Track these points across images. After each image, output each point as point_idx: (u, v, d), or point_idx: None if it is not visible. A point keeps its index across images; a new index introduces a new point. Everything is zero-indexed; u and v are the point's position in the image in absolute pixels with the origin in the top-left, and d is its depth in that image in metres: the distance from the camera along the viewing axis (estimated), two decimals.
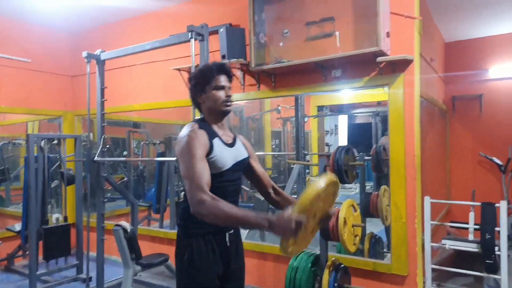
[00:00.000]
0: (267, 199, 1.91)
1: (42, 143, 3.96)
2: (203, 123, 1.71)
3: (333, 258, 2.91)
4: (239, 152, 1.78)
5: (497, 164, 5.13)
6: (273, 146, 6.89)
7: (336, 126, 9.12)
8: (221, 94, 1.70)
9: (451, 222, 4.32)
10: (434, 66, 4.60)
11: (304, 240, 1.54)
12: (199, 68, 1.79)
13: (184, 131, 1.63)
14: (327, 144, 6.97)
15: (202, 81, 1.72)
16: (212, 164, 1.61)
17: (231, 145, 1.75)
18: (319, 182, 1.42)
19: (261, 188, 1.91)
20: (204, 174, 1.53)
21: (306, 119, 6.87)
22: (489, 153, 5.22)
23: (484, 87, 5.37)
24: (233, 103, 1.77)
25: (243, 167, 1.81)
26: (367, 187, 3.95)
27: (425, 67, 4.06)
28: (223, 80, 1.72)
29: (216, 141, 1.66)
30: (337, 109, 8.05)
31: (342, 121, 8.93)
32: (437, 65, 4.95)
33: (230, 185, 1.70)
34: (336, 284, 2.71)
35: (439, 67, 5.17)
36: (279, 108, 6.19)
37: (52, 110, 5.17)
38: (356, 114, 8.43)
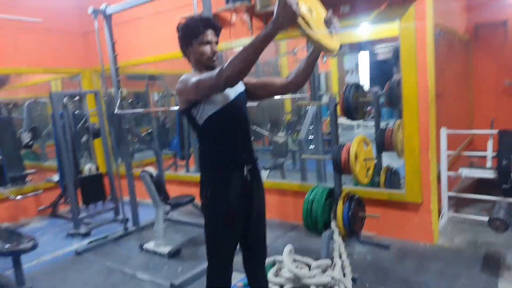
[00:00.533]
0: (291, 87, 1.82)
1: (65, 100, 4.16)
2: (195, 73, 1.78)
3: (347, 190, 3.07)
4: (237, 86, 1.76)
5: None
6: None
7: (356, 64, 8.89)
8: (207, 49, 1.72)
9: (470, 151, 4.36)
10: None
11: (321, 31, 1.48)
12: (187, 21, 1.77)
13: (180, 79, 1.71)
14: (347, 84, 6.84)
15: (188, 35, 1.74)
16: (215, 98, 1.68)
17: None
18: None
19: (278, 87, 1.85)
20: (209, 72, 1.58)
21: (325, 59, 6.76)
22: None
23: (509, 13, 5.05)
24: (217, 58, 1.76)
25: (244, 98, 1.85)
26: (390, 124, 3.96)
27: None
28: (209, 34, 1.72)
29: None
30: (358, 47, 7.80)
31: (363, 59, 8.66)
32: None
33: (240, 117, 1.77)
34: (350, 213, 2.89)
35: None
36: (295, 50, 6.08)
37: (69, 68, 5.33)
38: (375, 51, 8.16)
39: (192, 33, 1.72)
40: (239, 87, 1.81)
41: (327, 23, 1.58)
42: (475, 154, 4.21)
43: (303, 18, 1.37)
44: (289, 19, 1.33)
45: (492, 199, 3.26)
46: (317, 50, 1.63)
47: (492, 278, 2.55)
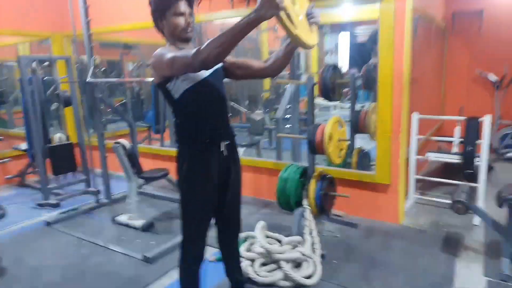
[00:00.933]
0: (268, 72, 1.81)
1: (34, 64, 3.97)
2: (170, 46, 1.74)
3: (320, 170, 3.14)
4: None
5: (492, 81, 5.17)
6: None
7: (336, 45, 8.89)
8: (181, 20, 1.68)
9: (439, 136, 4.53)
10: None
11: (302, 27, 1.47)
12: None
13: (155, 52, 1.65)
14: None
15: (161, 7, 1.70)
16: (189, 74, 1.64)
17: None
18: None
19: (256, 70, 1.84)
20: (185, 51, 1.55)
21: None
22: (485, 70, 5.22)
23: (485, 2, 5.17)
24: (192, 29, 1.72)
25: (222, 75, 1.83)
26: (366, 106, 4.02)
27: None
28: (182, 5, 1.68)
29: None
30: (339, 28, 7.78)
31: (343, 40, 8.67)
32: None
33: (215, 92, 1.75)
34: (321, 192, 2.97)
35: None
36: (276, 27, 6.00)
37: (39, 32, 5.05)
38: (356, 33, 8.17)
39: (165, 4, 1.68)
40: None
41: (309, 15, 1.55)
42: (443, 139, 4.38)
43: (286, 11, 1.35)
44: (272, 11, 1.31)
45: (456, 183, 3.43)
46: (294, 44, 1.60)
47: (451, 257, 2.71)
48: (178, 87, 1.68)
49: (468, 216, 3.25)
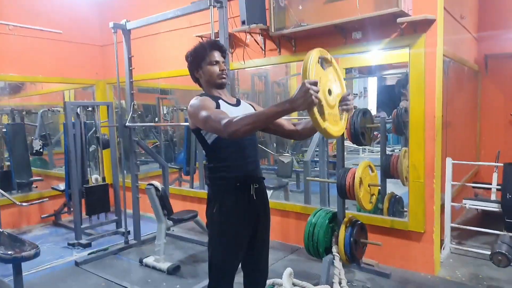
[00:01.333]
0: (295, 136, 1.92)
1: (78, 110, 4.25)
2: (205, 94, 1.85)
3: (350, 215, 3.06)
4: (245, 108, 1.87)
5: None
6: (301, 111, 6.93)
7: (365, 88, 8.96)
8: (215, 68, 1.84)
9: (474, 182, 4.34)
10: (464, 24, 4.42)
11: (332, 117, 1.49)
12: (194, 47, 1.90)
13: (192, 101, 1.77)
14: (355, 107, 6.90)
15: (197, 58, 1.86)
16: None
17: (236, 105, 1.88)
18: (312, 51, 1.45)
19: (285, 130, 1.90)
20: (221, 113, 1.64)
21: None
22: None
23: None
24: (226, 76, 1.86)
25: None
26: (396, 150, 3.97)
27: (453, 26, 3.92)
28: (216, 55, 1.85)
29: (221, 101, 1.80)
30: (367, 71, 7.89)
31: (372, 83, 8.74)
32: (469, 22, 4.73)
33: (246, 138, 1.79)
34: (352, 239, 2.87)
35: (471, 25, 4.93)
36: None
37: (85, 79, 5.48)
38: (384, 76, 8.23)
39: (200, 56, 1.86)
40: (250, 109, 1.88)
41: (342, 102, 1.55)
42: (480, 186, 4.19)
43: (319, 105, 1.39)
44: (306, 106, 1.34)
45: (495, 233, 3.23)
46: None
47: None
48: (212, 133, 1.75)
49: (511, 269, 3.02)
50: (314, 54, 1.45)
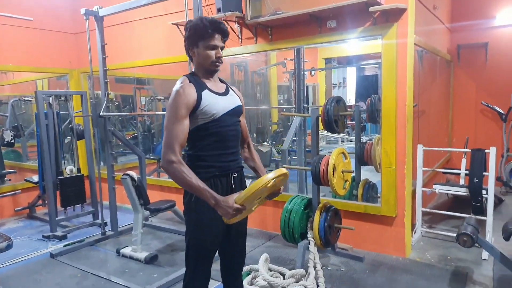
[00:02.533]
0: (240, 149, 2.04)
1: (51, 99, 4.15)
2: (193, 77, 1.79)
3: (325, 201, 3.13)
4: (233, 99, 1.86)
5: (499, 112, 5.16)
6: (281, 101, 6.95)
7: (344, 78, 9.06)
8: (212, 53, 1.73)
9: (445, 168, 4.49)
10: (437, 14, 4.51)
11: (247, 212, 1.72)
12: (196, 21, 1.75)
13: (176, 86, 1.73)
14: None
15: (196, 36, 1.73)
16: (204, 113, 1.72)
17: (224, 94, 1.83)
18: (267, 176, 1.59)
19: (240, 143, 2.00)
20: (179, 135, 1.67)
21: (313, 72, 6.89)
22: (492, 102, 5.23)
23: (490, 35, 5.26)
24: (221, 63, 1.80)
25: (238, 113, 1.89)
26: (373, 139, 4.04)
27: (425, 16, 4.00)
28: (216, 39, 1.73)
29: (205, 92, 1.75)
30: (346, 61, 7.97)
31: (351, 73, 8.85)
32: (442, 13, 4.84)
33: (228, 130, 1.80)
34: (326, 224, 2.94)
35: (445, 16, 5.05)
36: (285, 61, 6.18)
37: (58, 68, 5.33)
38: (362, 66, 8.34)
39: (200, 34, 1.72)
40: (236, 101, 1.87)
41: (269, 196, 1.76)
42: (450, 172, 4.34)
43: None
44: (223, 215, 1.62)
45: (464, 216, 3.36)
46: None
47: None
48: (193, 121, 1.73)
49: (477, 250, 3.17)
50: (269, 180, 1.58)
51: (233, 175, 1.84)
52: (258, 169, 2.01)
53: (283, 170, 1.66)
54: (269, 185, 1.58)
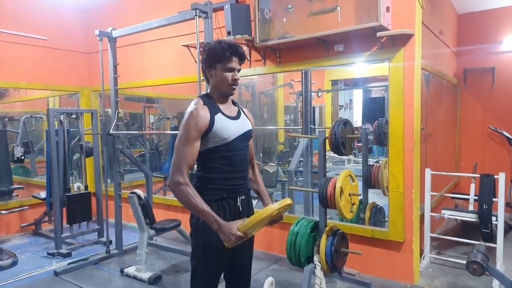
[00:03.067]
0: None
1: (62, 117, 4.22)
2: (207, 99, 1.81)
3: (332, 225, 3.10)
4: (244, 123, 1.88)
5: (507, 137, 5.12)
6: (287, 121, 6.99)
7: (350, 100, 9.11)
8: (229, 76, 1.76)
9: (453, 193, 4.43)
10: (443, 39, 4.57)
11: (248, 235, 1.72)
12: (215, 43, 1.79)
13: (190, 107, 1.76)
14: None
15: (214, 58, 1.76)
16: (216, 136, 1.73)
17: (236, 117, 1.85)
18: (272, 207, 1.64)
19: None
20: (188, 157, 1.69)
21: (320, 93, 6.95)
22: (499, 126, 5.20)
23: (497, 60, 5.29)
24: (243, 76, 1.84)
25: (249, 137, 1.91)
26: (380, 161, 4.03)
27: (432, 40, 4.05)
28: (234, 62, 1.76)
29: (218, 116, 1.76)
30: (353, 83, 8.03)
31: (357, 95, 8.90)
32: (448, 38, 4.90)
33: (238, 154, 1.81)
34: (333, 248, 2.90)
35: (451, 40, 5.10)
36: (292, 83, 6.25)
37: (69, 86, 5.45)
38: (369, 88, 8.39)
39: (218, 56, 1.75)
40: (247, 125, 1.89)
41: (272, 222, 1.78)
42: (459, 197, 4.28)
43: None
44: (225, 241, 1.63)
45: (473, 243, 3.30)
46: None
47: None
48: (204, 144, 1.74)
49: (488, 279, 3.09)
50: (267, 215, 1.62)
51: (241, 197, 1.85)
52: (261, 192, 2.02)
53: (287, 201, 1.69)
54: (273, 214, 1.63)
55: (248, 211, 1.89)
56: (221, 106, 1.82)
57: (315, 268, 2.90)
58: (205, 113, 1.73)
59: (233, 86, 1.80)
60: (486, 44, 5.31)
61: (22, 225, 4.81)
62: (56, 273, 3.48)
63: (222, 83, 1.78)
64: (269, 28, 3.58)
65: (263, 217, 1.60)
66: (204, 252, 1.79)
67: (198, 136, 1.71)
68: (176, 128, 5.76)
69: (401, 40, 3.07)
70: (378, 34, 2.99)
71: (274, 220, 1.76)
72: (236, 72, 1.80)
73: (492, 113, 5.38)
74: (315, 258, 2.95)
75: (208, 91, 1.87)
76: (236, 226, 1.61)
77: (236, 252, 1.84)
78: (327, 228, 3.01)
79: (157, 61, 4.76)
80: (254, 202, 4.58)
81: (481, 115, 5.47)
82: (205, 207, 1.64)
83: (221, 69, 1.76)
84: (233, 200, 1.81)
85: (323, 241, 2.94)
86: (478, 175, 3.45)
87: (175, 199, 3.56)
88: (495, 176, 3.35)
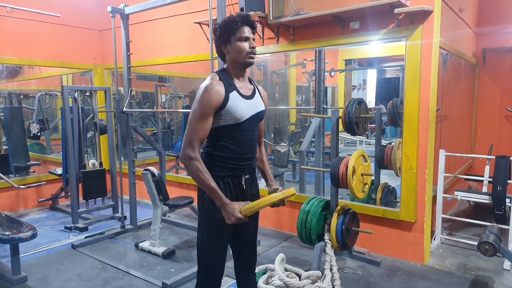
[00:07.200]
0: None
1: (76, 94, 4.26)
2: (224, 75, 1.79)
3: (343, 204, 3.11)
4: (257, 104, 1.85)
5: None
6: (299, 101, 6.94)
7: (364, 80, 8.96)
8: (246, 45, 1.73)
9: (467, 175, 4.39)
10: (463, 17, 4.41)
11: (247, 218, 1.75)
12: (224, 19, 1.78)
13: (205, 82, 1.74)
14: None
15: (227, 32, 1.74)
16: (228, 114, 1.72)
17: (250, 97, 1.82)
18: (276, 195, 1.70)
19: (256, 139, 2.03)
20: (201, 132, 1.70)
21: (333, 73, 6.85)
22: None
23: None
24: (256, 55, 1.81)
25: (261, 118, 1.90)
26: (393, 143, 4.00)
27: (451, 18, 3.92)
28: (247, 31, 1.74)
29: (233, 94, 1.74)
30: (367, 63, 7.88)
31: (371, 75, 8.74)
32: (469, 16, 4.73)
33: (247, 134, 1.81)
34: (343, 227, 2.93)
35: (471, 19, 4.93)
36: (304, 62, 6.16)
37: (83, 64, 5.47)
38: (383, 68, 8.22)
39: (230, 29, 1.74)
40: (260, 106, 1.87)
41: (274, 205, 1.76)
42: (472, 178, 4.24)
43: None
44: (226, 219, 1.68)
45: (486, 224, 3.29)
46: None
47: None
48: (216, 121, 1.74)
49: (499, 260, 3.10)
50: (270, 202, 1.70)
51: (245, 176, 1.86)
52: (266, 173, 2.02)
53: (291, 191, 1.73)
54: (274, 201, 1.70)
55: (251, 189, 1.91)
56: (237, 83, 1.79)
57: (325, 246, 2.95)
58: (220, 88, 1.72)
59: (251, 55, 1.77)
60: (507, 24, 5.12)
61: (39, 200, 4.95)
62: (73, 246, 3.61)
63: (240, 54, 1.75)
64: (283, 5, 3.52)
65: (266, 204, 1.68)
66: (208, 223, 1.83)
67: (212, 112, 1.71)
68: (188, 107, 5.77)
69: (419, 17, 2.98)
70: (396, 10, 2.91)
71: (276, 204, 1.78)
72: (252, 40, 1.77)
73: (511, 94, 5.24)
74: (326, 236, 2.99)
75: (224, 68, 1.84)
76: (239, 208, 1.66)
77: (241, 225, 1.84)
78: (338, 207, 3.03)
79: (169, 39, 4.73)
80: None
81: (499, 96, 5.34)
82: (212, 183, 1.68)
83: (236, 41, 1.74)
84: (238, 179, 1.84)
85: (334, 220, 2.96)
86: (494, 157, 3.40)
87: (188, 177, 3.65)
88: (511, 158, 3.30)
